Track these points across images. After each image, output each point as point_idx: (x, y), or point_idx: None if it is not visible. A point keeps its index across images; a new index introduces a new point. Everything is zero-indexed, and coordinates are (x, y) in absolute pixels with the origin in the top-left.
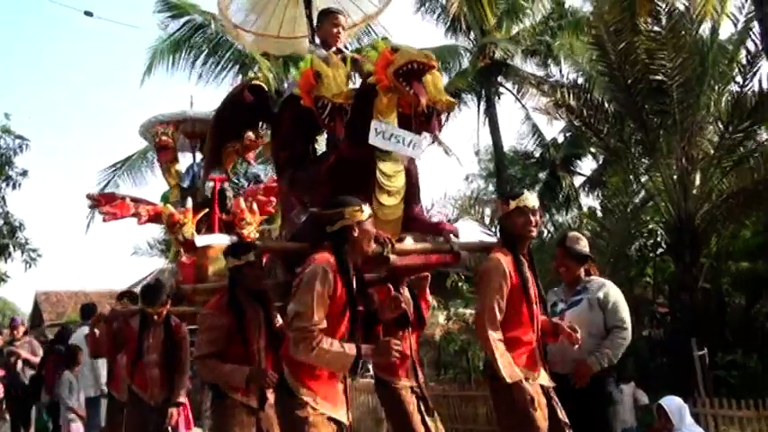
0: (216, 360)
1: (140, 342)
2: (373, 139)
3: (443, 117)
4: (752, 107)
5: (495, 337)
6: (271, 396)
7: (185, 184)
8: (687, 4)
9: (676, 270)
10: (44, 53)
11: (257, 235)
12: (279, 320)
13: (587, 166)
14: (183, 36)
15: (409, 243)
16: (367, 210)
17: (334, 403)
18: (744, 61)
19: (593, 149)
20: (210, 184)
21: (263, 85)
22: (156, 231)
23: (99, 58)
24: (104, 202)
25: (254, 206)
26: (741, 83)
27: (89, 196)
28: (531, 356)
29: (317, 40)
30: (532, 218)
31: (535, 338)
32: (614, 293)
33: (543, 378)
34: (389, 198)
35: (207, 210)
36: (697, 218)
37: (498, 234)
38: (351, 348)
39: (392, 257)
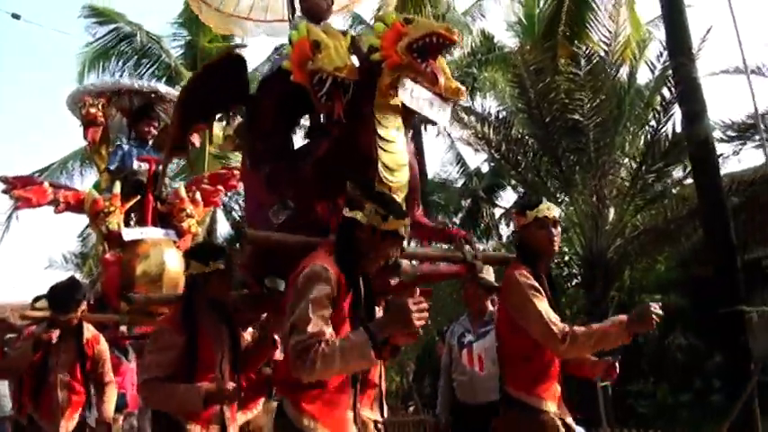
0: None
1: (45, 358)
2: (402, 95)
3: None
4: (665, 150)
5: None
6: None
7: (113, 166)
8: (607, 49)
9: (587, 302)
10: None
11: (199, 230)
12: (246, 338)
13: (509, 196)
14: (109, 44)
15: (414, 248)
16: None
17: None
18: (658, 107)
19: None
20: (144, 165)
21: (244, 56)
22: (73, 244)
23: (22, 60)
24: (20, 186)
25: (198, 196)
26: (655, 126)
27: (2, 179)
28: (552, 387)
29: (297, 16)
30: (554, 230)
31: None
32: None
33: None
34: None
35: (139, 197)
36: (609, 252)
37: (516, 249)
38: (357, 335)
39: (404, 263)
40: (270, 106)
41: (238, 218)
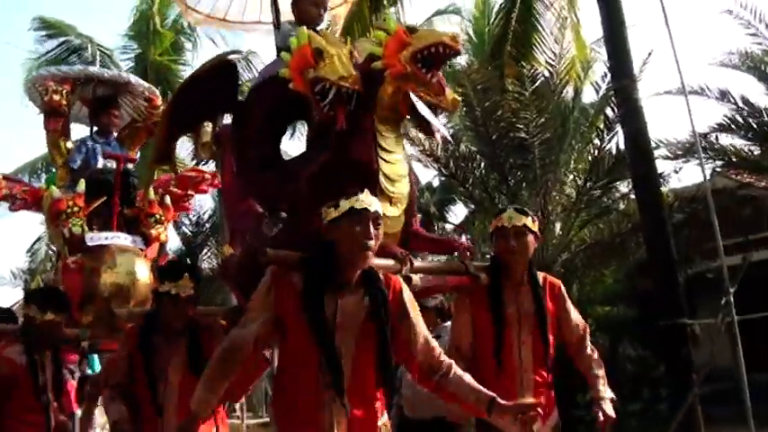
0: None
1: (35, 376)
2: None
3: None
4: (609, 166)
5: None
6: None
7: (76, 165)
8: (552, 70)
9: None
10: None
11: (166, 238)
12: None
13: (460, 211)
14: (59, 56)
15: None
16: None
17: None
18: (602, 125)
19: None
20: (111, 163)
21: (236, 63)
22: (21, 260)
23: None
24: None
25: (167, 200)
26: (599, 145)
27: None
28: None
29: (287, 21)
30: (514, 241)
31: (513, 383)
32: None
33: None
34: (392, 207)
35: (104, 198)
36: (556, 266)
37: None
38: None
39: (414, 278)
40: (260, 114)
41: (189, 233)
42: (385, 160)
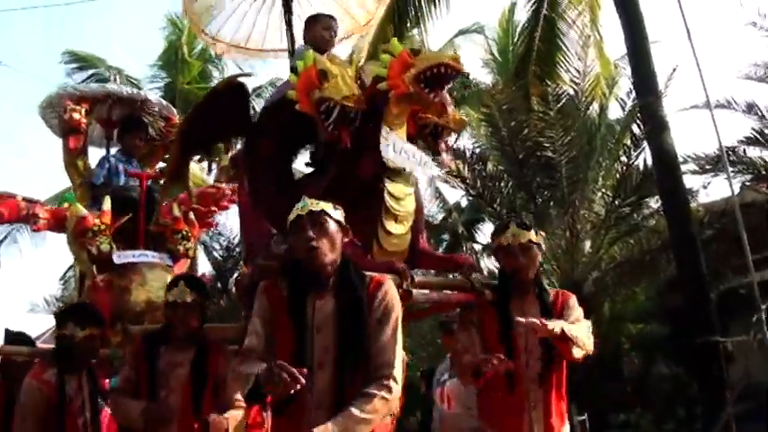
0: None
1: (65, 397)
2: (385, 151)
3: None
4: (637, 183)
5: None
6: None
7: (99, 181)
8: (576, 88)
9: None
10: None
11: (194, 253)
12: None
13: (489, 230)
14: None
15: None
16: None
17: None
18: (629, 142)
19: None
20: (134, 181)
21: (246, 84)
22: (54, 288)
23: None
24: None
25: (192, 216)
26: (626, 161)
27: None
28: (507, 420)
29: (301, 46)
30: (522, 257)
31: (521, 400)
32: None
33: None
34: (397, 225)
35: (130, 215)
36: (586, 285)
37: None
38: (257, 367)
39: (414, 293)
40: (271, 135)
41: (220, 257)
42: (391, 179)
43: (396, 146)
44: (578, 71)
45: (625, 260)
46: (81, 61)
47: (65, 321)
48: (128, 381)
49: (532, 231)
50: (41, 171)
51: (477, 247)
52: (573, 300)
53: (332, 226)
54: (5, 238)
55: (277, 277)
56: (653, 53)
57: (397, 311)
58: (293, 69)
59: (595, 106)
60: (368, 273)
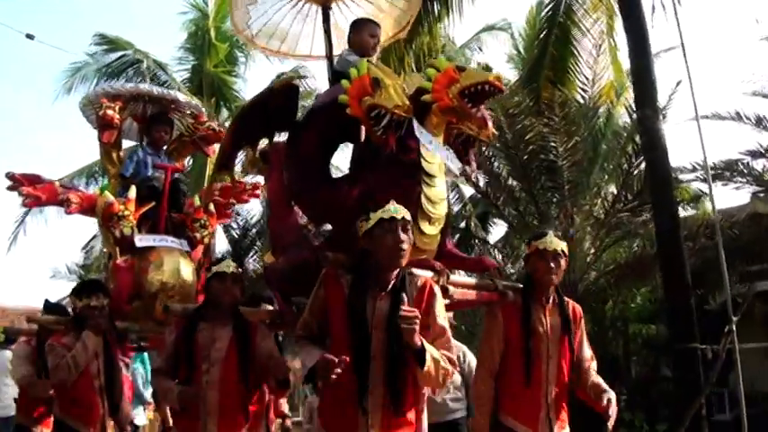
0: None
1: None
2: (419, 134)
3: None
4: (638, 190)
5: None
6: None
7: (128, 173)
8: (584, 95)
9: None
10: None
11: (210, 241)
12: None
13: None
14: (116, 69)
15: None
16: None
17: None
18: (630, 150)
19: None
20: (160, 172)
21: (298, 86)
22: (76, 256)
23: (32, 77)
24: (27, 184)
25: (212, 208)
26: (627, 168)
27: (9, 176)
28: (523, 409)
29: (346, 50)
30: (552, 263)
31: (538, 393)
32: (469, 357)
33: None
34: (430, 227)
35: (153, 203)
36: (581, 285)
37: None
38: (312, 357)
39: (451, 290)
40: (316, 134)
41: (236, 236)
42: (427, 184)
43: (424, 136)
44: (587, 78)
45: (623, 263)
46: (110, 44)
47: (78, 295)
48: (167, 360)
49: (564, 243)
50: (72, 143)
51: (493, 239)
52: (581, 313)
53: (411, 236)
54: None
55: (339, 271)
56: (665, 63)
57: (443, 304)
58: (335, 74)
59: (603, 113)
60: (416, 272)
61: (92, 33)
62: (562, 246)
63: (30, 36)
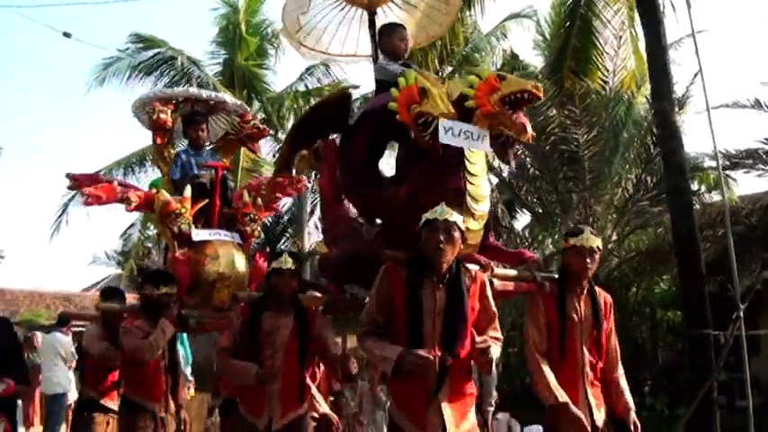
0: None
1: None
2: (443, 137)
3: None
4: (658, 179)
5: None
6: None
7: (176, 176)
8: (605, 85)
9: None
10: (17, 59)
11: (259, 234)
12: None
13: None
14: (151, 66)
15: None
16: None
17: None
18: (649, 140)
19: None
20: (211, 171)
21: (351, 94)
22: (115, 243)
23: (73, 68)
24: (86, 184)
25: (259, 201)
26: (647, 157)
27: (69, 176)
28: (564, 392)
29: (382, 56)
30: (588, 258)
31: (576, 376)
32: None
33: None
34: (474, 222)
35: (206, 201)
36: (603, 273)
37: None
38: (392, 350)
39: (495, 282)
40: (368, 136)
41: (269, 224)
42: (471, 183)
43: (454, 130)
44: (607, 69)
45: (646, 249)
46: (145, 42)
47: (145, 284)
48: (233, 342)
49: (599, 239)
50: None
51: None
52: (611, 302)
53: (456, 235)
54: (73, 197)
55: (399, 265)
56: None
57: (491, 292)
58: (379, 82)
59: (624, 103)
60: (468, 265)
61: (127, 33)
62: (597, 242)
63: (67, 34)
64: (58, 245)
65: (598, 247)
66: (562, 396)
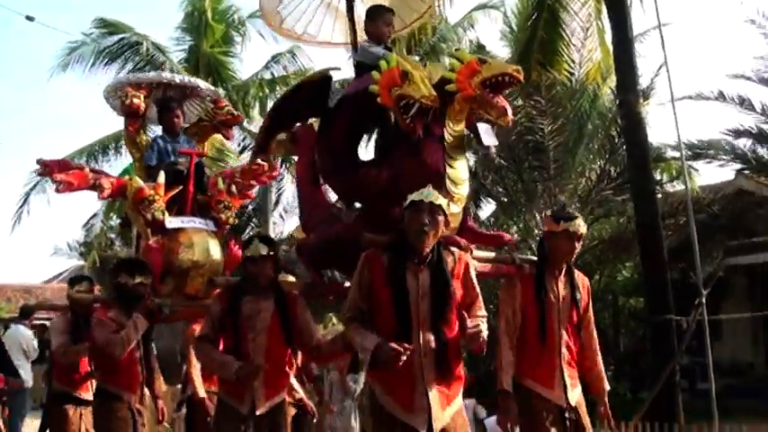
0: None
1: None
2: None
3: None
4: (621, 169)
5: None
6: None
7: (153, 162)
8: (571, 77)
9: None
10: None
11: (235, 221)
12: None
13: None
14: (116, 51)
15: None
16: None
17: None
18: (614, 132)
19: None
20: (185, 158)
21: (331, 76)
22: (77, 234)
23: (36, 59)
24: (58, 170)
25: (234, 189)
26: (611, 148)
27: (40, 162)
28: (540, 371)
29: (364, 40)
30: (577, 243)
31: (553, 356)
32: None
33: (558, 396)
34: (454, 206)
35: (180, 187)
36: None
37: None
38: (370, 340)
39: (474, 263)
40: (346, 120)
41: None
42: (451, 166)
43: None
44: (573, 61)
45: (606, 238)
46: (110, 27)
47: (119, 272)
48: (212, 329)
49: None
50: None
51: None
52: (587, 283)
53: (440, 218)
54: (35, 186)
55: (379, 250)
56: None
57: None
58: (358, 64)
59: (590, 94)
60: (450, 247)
61: (91, 18)
62: (584, 228)
63: (30, 18)
64: (18, 236)
65: (583, 233)
66: (507, 383)
